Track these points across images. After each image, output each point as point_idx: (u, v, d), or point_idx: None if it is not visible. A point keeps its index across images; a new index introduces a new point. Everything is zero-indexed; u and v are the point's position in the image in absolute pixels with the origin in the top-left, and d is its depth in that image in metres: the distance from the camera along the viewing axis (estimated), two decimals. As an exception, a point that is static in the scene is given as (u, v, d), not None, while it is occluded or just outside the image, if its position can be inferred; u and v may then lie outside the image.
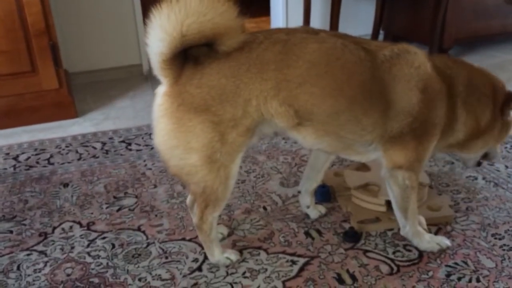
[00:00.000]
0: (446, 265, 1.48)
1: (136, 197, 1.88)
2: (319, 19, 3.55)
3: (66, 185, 1.98)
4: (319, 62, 1.29)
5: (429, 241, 1.53)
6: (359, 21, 3.70)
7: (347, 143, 1.39)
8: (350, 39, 1.36)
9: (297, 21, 3.53)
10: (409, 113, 1.35)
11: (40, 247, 1.61)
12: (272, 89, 1.28)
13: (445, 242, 1.54)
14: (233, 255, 1.51)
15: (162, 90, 1.31)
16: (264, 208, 1.79)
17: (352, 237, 1.60)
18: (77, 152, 2.26)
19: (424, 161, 1.45)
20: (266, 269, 1.48)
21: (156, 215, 1.76)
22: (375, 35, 3.72)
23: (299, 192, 1.74)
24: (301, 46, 1.29)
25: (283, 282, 1.43)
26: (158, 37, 1.20)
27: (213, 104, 1.26)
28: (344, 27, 3.27)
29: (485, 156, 1.61)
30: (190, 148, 1.29)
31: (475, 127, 1.47)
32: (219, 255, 1.49)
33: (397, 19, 3.62)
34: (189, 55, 1.27)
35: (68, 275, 1.48)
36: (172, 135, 1.29)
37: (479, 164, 1.65)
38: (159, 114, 1.30)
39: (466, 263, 1.49)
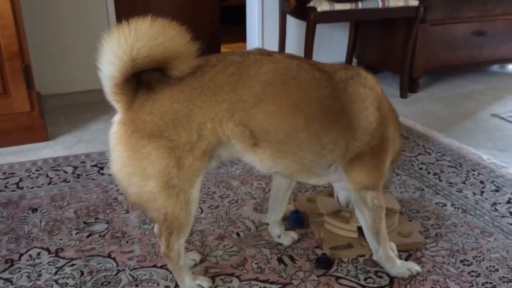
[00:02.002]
0: (416, 292, 1.50)
1: (107, 222, 1.85)
2: (294, 46, 3.62)
3: (35, 210, 1.94)
4: (275, 81, 1.31)
5: (400, 267, 1.55)
6: (333, 49, 3.79)
7: (306, 164, 1.40)
8: (304, 60, 1.40)
9: (272, 47, 3.59)
10: (367, 131, 1.39)
11: (5, 275, 1.56)
12: (227, 110, 1.28)
13: (416, 268, 1.56)
14: (205, 282, 1.50)
15: (117, 118, 1.31)
16: (238, 234, 1.79)
17: (325, 263, 1.60)
18: (47, 176, 2.22)
19: (384, 178, 1.49)
20: (238, 297, 1.47)
21: (127, 241, 1.73)
22: (348, 63, 3.81)
23: (267, 224, 1.75)
24: (255, 66, 1.30)
25: (255, 309, 1.42)
26: (109, 61, 1.20)
27: (166, 130, 1.26)
28: (318, 54, 3.35)
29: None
30: (146, 175, 1.28)
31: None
32: (190, 282, 1.47)
33: (369, 48, 3.73)
34: (142, 81, 1.27)
35: (34, 304, 1.44)
36: (127, 162, 1.28)
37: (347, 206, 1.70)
38: (114, 141, 1.29)
39: (435, 289, 1.51)
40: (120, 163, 1.29)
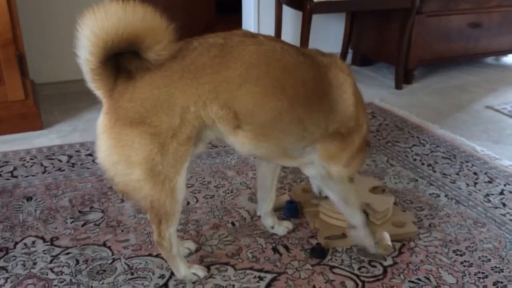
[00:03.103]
0: (409, 281, 1.52)
1: (102, 211, 1.85)
2: (290, 36, 3.61)
3: (29, 198, 1.93)
4: (259, 62, 1.30)
5: (368, 238, 1.59)
6: (328, 39, 3.78)
7: (285, 147, 1.42)
8: (288, 44, 1.40)
9: (268, 37, 3.58)
10: (345, 114, 1.43)
11: (1, 263, 1.56)
12: (210, 92, 1.27)
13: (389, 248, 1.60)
14: (200, 271, 1.51)
15: (103, 108, 1.31)
16: (233, 223, 1.79)
17: (319, 253, 1.62)
18: (42, 165, 2.21)
19: (353, 156, 1.52)
20: (234, 285, 1.48)
21: (122, 230, 1.74)
22: (344, 53, 3.81)
23: (259, 216, 1.75)
24: (239, 48, 1.30)
25: (250, 298, 1.43)
26: (82, 44, 1.20)
27: (148, 116, 1.25)
28: (314, 44, 3.33)
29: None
30: (131, 162, 1.28)
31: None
32: (185, 270, 1.48)
33: (365, 39, 3.72)
34: (122, 69, 1.26)
35: (29, 292, 1.44)
36: (112, 150, 1.28)
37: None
38: (99, 131, 1.30)
39: (428, 278, 1.53)
40: (105, 151, 1.29)
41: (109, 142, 1.28)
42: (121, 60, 1.25)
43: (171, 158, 1.30)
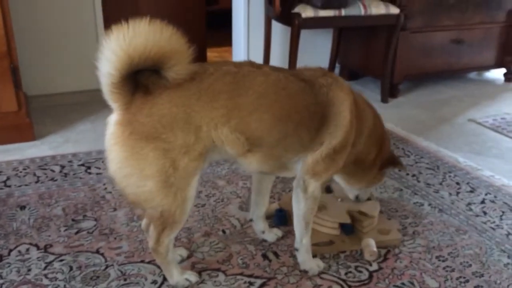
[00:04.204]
0: (394, 285, 1.57)
1: (95, 220, 1.89)
2: (279, 51, 3.70)
3: (23, 207, 1.96)
4: (268, 92, 1.39)
5: (313, 261, 1.62)
6: (316, 54, 3.87)
7: (284, 162, 1.50)
8: (288, 72, 1.50)
9: (258, 51, 3.65)
10: (344, 131, 1.48)
11: (-5, 270, 1.59)
12: (222, 116, 1.34)
13: (322, 264, 1.63)
14: (192, 276, 1.55)
15: (113, 119, 1.34)
16: (223, 231, 1.84)
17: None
18: (34, 175, 2.24)
19: (335, 173, 1.61)
20: (224, 290, 1.52)
21: (115, 238, 1.77)
22: (331, 68, 3.90)
23: (251, 220, 1.81)
24: (250, 78, 1.38)
25: (241, 302, 1.48)
26: (107, 58, 1.24)
27: (164, 132, 1.30)
28: (302, 59, 3.41)
29: (357, 197, 1.80)
30: (145, 175, 1.32)
31: (364, 160, 1.65)
32: (178, 276, 1.52)
33: (352, 54, 3.82)
34: (139, 85, 1.31)
35: (24, 297, 1.47)
36: (125, 163, 1.32)
37: (356, 198, 1.81)
38: (111, 142, 1.33)
39: (412, 283, 1.59)
40: (118, 163, 1.33)
41: (122, 155, 1.32)
42: (139, 75, 1.29)
43: (183, 172, 1.35)
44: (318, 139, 1.47)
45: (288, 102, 1.43)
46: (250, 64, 1.44)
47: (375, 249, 1.68)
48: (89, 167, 2.32)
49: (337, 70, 3.96)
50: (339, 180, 1.75)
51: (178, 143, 1.32)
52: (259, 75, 1.40)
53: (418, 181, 2.28)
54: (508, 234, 1.87)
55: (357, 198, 1.80)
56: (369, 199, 1.83)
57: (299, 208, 1.57)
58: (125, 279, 1.56)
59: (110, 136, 1.34)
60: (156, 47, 1.23)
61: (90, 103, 3.22)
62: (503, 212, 2.03)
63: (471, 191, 2.20)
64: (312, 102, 1.46)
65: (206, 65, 1.39)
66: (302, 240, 1.60)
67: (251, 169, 1.50)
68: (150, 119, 1.30)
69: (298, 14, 3.05)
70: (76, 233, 1.80)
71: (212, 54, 4.57)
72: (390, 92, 3.51)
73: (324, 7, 3.07)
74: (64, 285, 1.53)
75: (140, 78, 1.30)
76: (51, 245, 1.72)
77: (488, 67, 4.00)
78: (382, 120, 1.70)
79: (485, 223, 1.95)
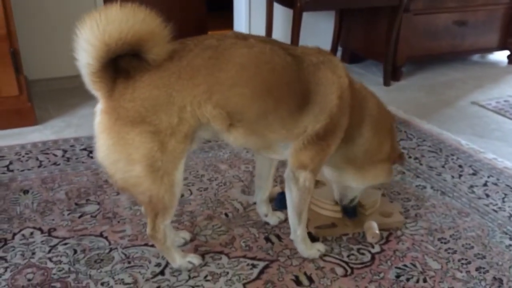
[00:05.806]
0: (396, 267, 1.58)
1: (98, 204, 1.89)
2: (280, 33, 3.66)
3: (26, 191, 1.97)
4: (249, 65, 1.35)
5: (311, 248, 1.62)
6: (318, 37, 3.84)
7: (269, 142, 1.47)
8: (278, 45, 1.43)
9: (259, 34, 3.61)
10: (328, 115, 1.42)
11: (0, 253, 1.60)
12: (204, 93, 1.31)
13: (323, 247, 1.63)
14: (195, 259, 1.56)
15: (99, 107, 1.33)
16: (226, 214, 1.85)
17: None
18: (37, 159, 2.24)
19: (324, 164, 1.55)
20: (228, 273, 1.53)
21: (118, 222, 1.78)
22: (333, 50, 3.87)
23: (254, 203, 1.81)
24: (231, 50, 1.34)
25: (244, 284, 1.49)
26: (83, 48, 1.22)
27: (148, 115, 1.29)
28: (304, 42, 3.39)
29: (352, 200, 1.73)
30: (132, 160, 1.32)
31: (376, 150, 1.59)
32: (180, 259, 1.53)
33: (353, 36, 3.79)
34: (120, 69, 1.28)
35: (29, 280, 1.48)
36: (112, 149, 1.32)
37: (350, 202, 1.73)
38: (99, 130, 1.33)
39: (414, 265, 1.60)
40: (105, 150, 1.33)
41: (109, 142, 1.31)
42: (119, 60, 1.27)
43: (170, 154, 1.34)
44: (301, 122, 1.42)
45: (270, 76, 1.37)
46: (234, 36, 1.39)
47: (377, 231, 1.68)
48: (91, 152, 2.32)
49: (339, 53, 3.93)
50: (335, 177, 1.67)
51: (163, 125, 1.30)
52: (242, 47, 1.35)
53: (421, 164, 2.28)
54: (510, 216, 1.88)
55: (340, 201, 1.73)
56: (353, 200, 1.73)
57: (292, 199, 1.56)
58: (129, 262, 1.57)
59: (97, 125, 1.33)
60: (132, 31, 1.20)
61: (91, 87, 3.21)
62: (505, 194, 2.03)
63: (473, 174, 2.20)
64: (295, 80, 1.40)
65: (186, 41, 1.34)
66: (296, 231, 1.60)
67: (237, 144, 1.47)
68: (134, 104, 1.28)
69: (300, -4, 3.01)
70: (80, 217, 1.81)
71: (213, 37, 4.52)
72: (392, 75, 3.49)
73: (326, -12, 3.04)
74: (69, 268, 1.54)
75: (121, 64, 1.28)
76: (54, 229, 1.73)
77: (492, 49, 3.96)
78: (389, 112, 1.65)
79: (487, 205, 1.95)
